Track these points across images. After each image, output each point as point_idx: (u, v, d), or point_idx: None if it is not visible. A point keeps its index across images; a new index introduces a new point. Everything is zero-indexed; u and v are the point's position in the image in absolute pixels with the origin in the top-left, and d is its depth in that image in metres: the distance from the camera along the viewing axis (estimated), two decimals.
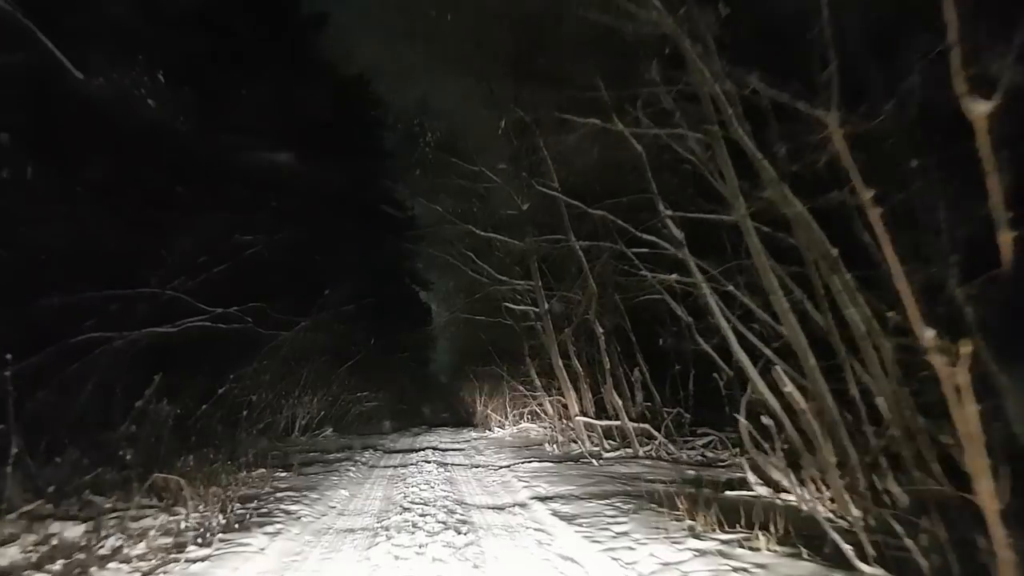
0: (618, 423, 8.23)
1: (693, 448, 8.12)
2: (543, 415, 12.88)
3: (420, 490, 5.35)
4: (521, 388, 12.91)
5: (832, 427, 3.63)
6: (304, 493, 5.10)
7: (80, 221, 6.50)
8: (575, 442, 9.07)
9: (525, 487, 5.27)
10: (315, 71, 11.17)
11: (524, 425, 12.56)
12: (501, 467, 6.84)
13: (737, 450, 7.42)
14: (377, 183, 11.33)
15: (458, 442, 11.29)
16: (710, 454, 7.68)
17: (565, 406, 9.77)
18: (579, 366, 8.89)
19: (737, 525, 3.34)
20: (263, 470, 6.11)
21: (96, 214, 6.74)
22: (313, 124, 10.08)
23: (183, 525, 3.82)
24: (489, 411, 14.55)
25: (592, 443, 8.81)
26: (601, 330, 7.75)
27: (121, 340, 7.04)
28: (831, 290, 3.74)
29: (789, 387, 3.52)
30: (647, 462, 6.92)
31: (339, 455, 8.20)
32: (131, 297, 7.55)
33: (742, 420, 4.39)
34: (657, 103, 4.95)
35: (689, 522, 3.58)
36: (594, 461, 6.89)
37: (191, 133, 7.64)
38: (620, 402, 7.91)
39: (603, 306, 8.08)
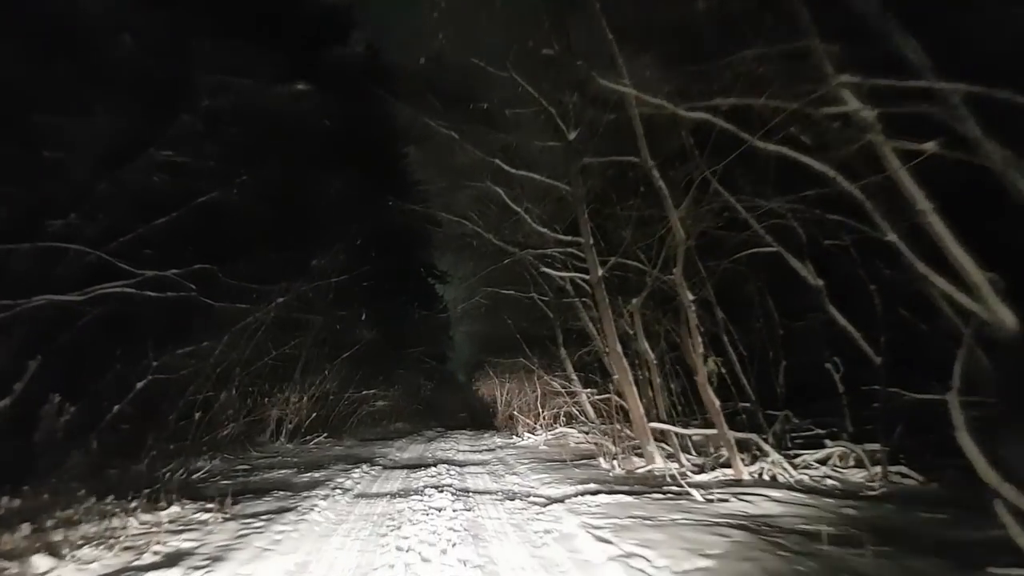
0: (712, 431, 5.79)
1: (810, 466, 5.70)
2: (583, 418, 10.50)
3: (421, 556, 3.00)
4: (555, 384, 10.52)
5: None
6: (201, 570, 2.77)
7: None
8: (638, 455, 6.66)
9: (612, 558, 2.88)
10: None
11: (560, 429, 10.15)
12: (551, 501, 4.45)
13: (901, 469, 5.09)
14: (374, 115, 9.06)
15: (480, 451, 8.94)
16: (855, 477, 5.24)
17: (622, 407, 7.36)
18: (649, 352, 6.46)
19: None
20: (175, 508, 3.82)
21: None
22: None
23: None
24: (515, 412, 12.17)
25: (664, 458, 6.39)
26: (692, 298, 5.30)
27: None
28: None
29: None
30: (774, 493, 4.48)
31: (317, 475, 5.88)
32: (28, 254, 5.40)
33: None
34: None
35: None
36: (693, 492, 4.46)
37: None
38: (718, 402, 5.46)
39: (688, 269, 5.62)
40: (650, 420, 6.49)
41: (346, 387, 12.39)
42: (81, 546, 2.91)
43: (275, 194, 7.60)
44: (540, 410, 10.50)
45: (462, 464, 7.16)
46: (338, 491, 4.93)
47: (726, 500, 4.25)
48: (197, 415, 6.53)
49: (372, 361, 14.99)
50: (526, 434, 10.53)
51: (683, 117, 4.70)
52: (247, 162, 7.04)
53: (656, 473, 6.05)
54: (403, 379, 19.10)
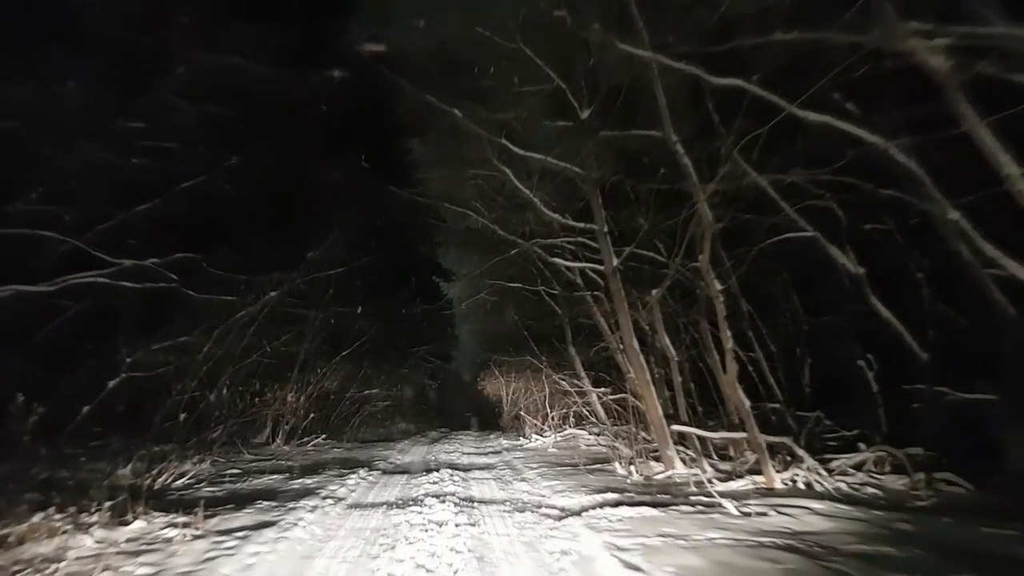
0: (739, 434, 5.29)
1: (846, 473, 5.22)
2: (593, 418, 10.02)
3: None
4: (564, 383, 10.03)
5: None
6: None
7: None
8: (656, 460, 6.18)
9: None
10: None
11: (570, 431, 9.67)
12: (566, 513, 3.97)
13: (947, 475, 4.62)
14: (375, 97, 8.52)
15: (486, 453, 8.47)
16: (896, 484, 4.75)
17: (638, 408, 6.87)
18: (670, 347, 5.97)
19: None
20: (140, 523, 3.36)
21: None
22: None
23: None
24: (521, 411, 11.70)
25: (686, 463, 5.90)
26: (720, 287, 4.80)
27: None
28: None
29: None
30: (815, 505, 3.98)
31: (309, 481, 5.42)
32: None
33: None
34: None
35: None
36: (725, 503, 3.96)
37: None
38: (747, 403, 4.96)
39: (713, 258, 5.10)
40: (670, 422, 6.00)
41: (347, 386, 11.96)
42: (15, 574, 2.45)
43: (268, 181, 7.15)
44: (548, 410, 10.01)
45: (467, 468, 6.69)
46: (329, 501, 4.47)
47: (765, 514, 3.75)
48: (183, 416, 6.09)
49: (374, 360, 14.55)
50: (534, 436, 10.05)
51: (712, 84, 4.21)
52: (237, 146, 6.59)
53: (677, 480, 5.55)
54: (407, 378, 18.68)
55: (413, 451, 9.06)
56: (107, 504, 3.45)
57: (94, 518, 3.34)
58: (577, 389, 9.92)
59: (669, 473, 5.84)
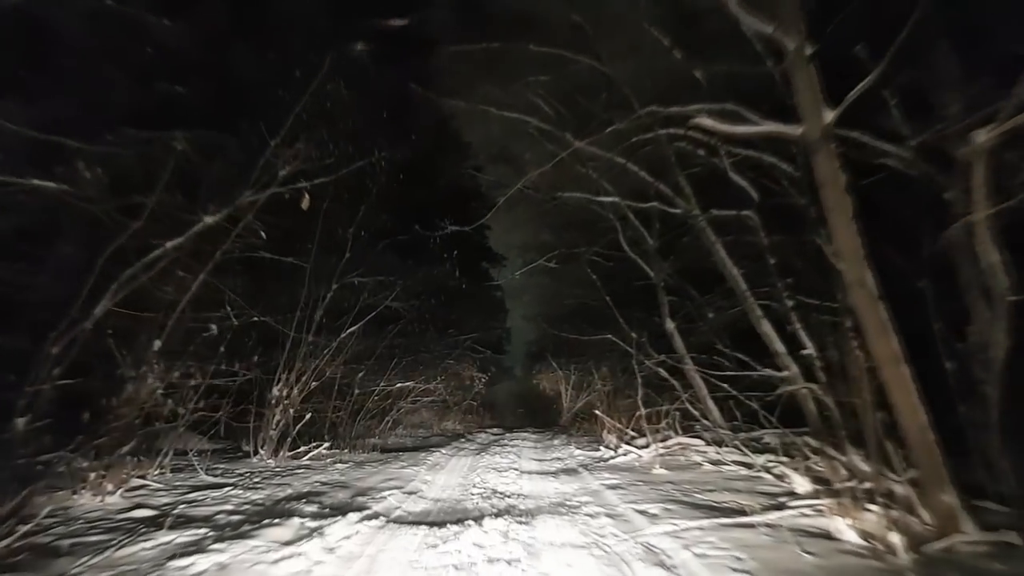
0: None
1: None
2: (706, 420, 6.94)
3: None
4: (671, 378, 7.07)
5: None
6: None
7: None
8: (908, 510, 3.11)
9: None
10: None
11: (676, 439, 6.64)
12: None
13: None
14: None
15: (556, 474, 5.59)
16: None
17: (846, 406, 3.84)
18: (999, 269, 2.89)
19: None
20: None
21: None
22: None
23: None
24: (597, 410, 8.74)
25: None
26: None
27: None
28: None
29: None
30: None
31: (251, 538, 2.73)
32: None
33: None
34: None
35: None
36: None
37: None
38: None
39: None
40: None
41: (371, 376, 9.41)
42: None
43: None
44: (641, 409, 7.01)
45: (532, 513, 3.83)
46: None
47: None
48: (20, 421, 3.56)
49: (412, 347, 12.03)
50: (621, 445, 7.07)
51: None
52: None
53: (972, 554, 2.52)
54: (451, 370, 16.04)
55: (451, 467, 6.32)
56: None
57: None
58: (695, 374, 6.87)
59: (948, 542, 2.82)
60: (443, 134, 7.35)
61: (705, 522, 3.32)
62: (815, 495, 3.77)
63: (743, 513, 3.49)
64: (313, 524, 3.23)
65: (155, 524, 3.27)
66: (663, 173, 5.84)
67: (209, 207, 4.18)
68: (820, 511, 3.47)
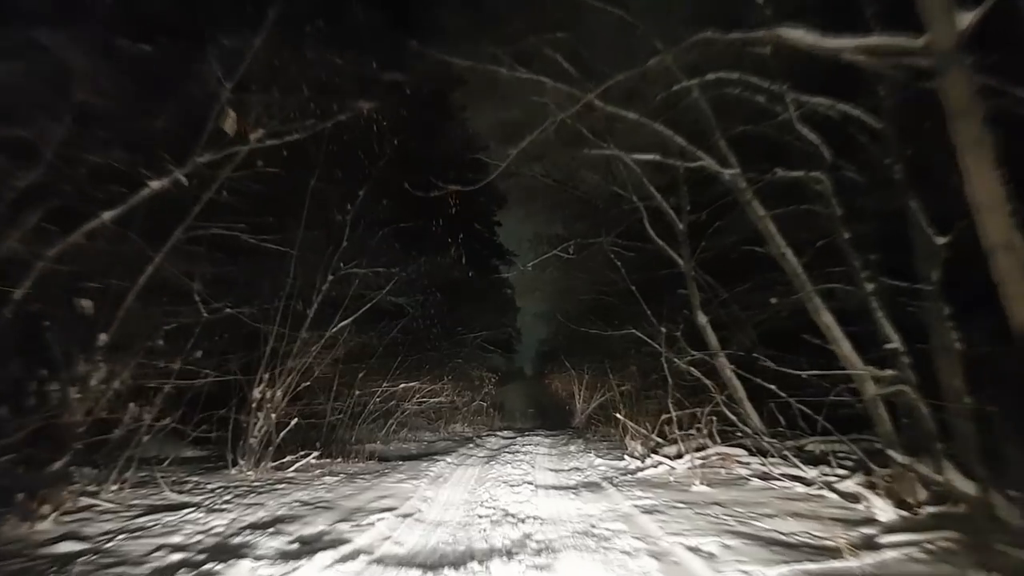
0: None
1: None
2: (746, 427, 6.10)
3: None
4: (704, 378, 6.24)
5: None
6: None
7: None
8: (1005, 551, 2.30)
9: None
10: None
11: (713, 448, 5.81)
12: None
13: None
14: None
15: (576, 489, 4.78)
16: None
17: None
18: None
19: None
20: None
21: None
22: None
23: None
24: (620, 415, 7.91)
25: None
26: None
27: None
28: None
29: None
30: None
31: None
32: None
33: None
34: None
35: None
36: None
37: None
38: None
39: None
40: None
41: (373, 376, 8.71)
42: None
43: None
44: (671, 412, 6.18)
45: (551, 546, 3.03)
46: None
47: None
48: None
49: (417, 345, 11.31)
50: (649, 454, 6.24)
51: None
52: None
53: None
54: (459, 370, 15.29)
55: (455, 479, 5.54)
56: None
57: None
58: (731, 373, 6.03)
59: None
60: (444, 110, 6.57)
61: (786, 569, 2.50)
62: (908, 525, 2.94)
63: (832, 553, 2.66)
64: (266, 573, 2.46)
65: (63, 571, 2.51)
66: (698, 139, 5.02)
67: (157, 171, 3.43)
68: (931, 551, 2.65)
